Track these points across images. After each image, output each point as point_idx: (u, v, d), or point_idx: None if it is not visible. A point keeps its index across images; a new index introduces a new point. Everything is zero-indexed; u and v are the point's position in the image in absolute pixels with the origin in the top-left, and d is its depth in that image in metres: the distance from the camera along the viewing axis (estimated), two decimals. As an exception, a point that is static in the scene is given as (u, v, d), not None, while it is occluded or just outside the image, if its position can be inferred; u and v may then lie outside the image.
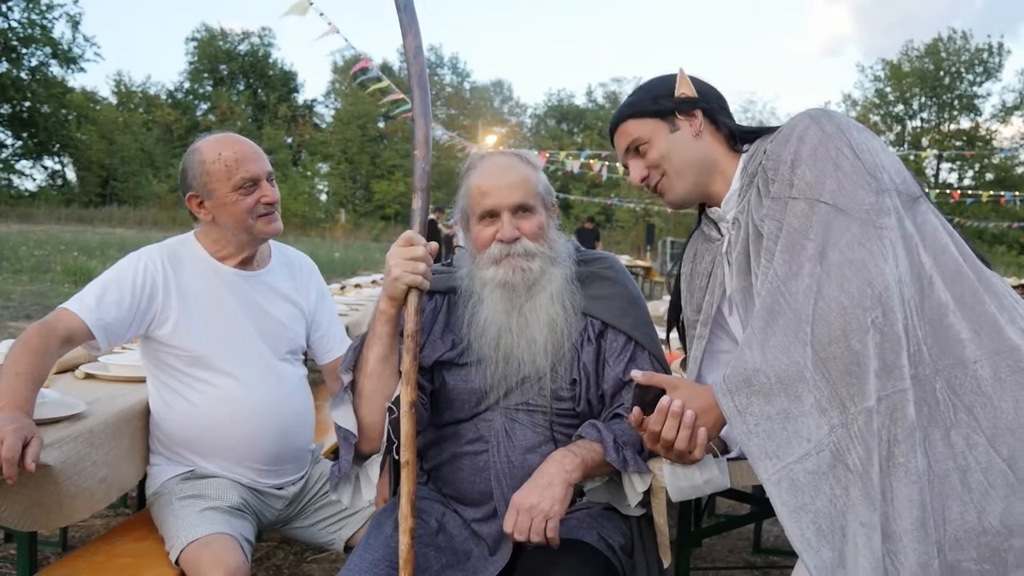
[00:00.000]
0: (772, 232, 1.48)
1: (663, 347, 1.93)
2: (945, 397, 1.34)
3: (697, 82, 1.67)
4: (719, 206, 1.67)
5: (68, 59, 41.07)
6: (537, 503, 1.61)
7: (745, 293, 1.57)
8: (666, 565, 1.79)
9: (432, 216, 15.93)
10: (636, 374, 1.52)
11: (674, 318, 1.85)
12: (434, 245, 1.65)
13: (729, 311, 1.68)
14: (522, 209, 1.77)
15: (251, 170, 2.10)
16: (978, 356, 1.35)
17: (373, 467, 1.74)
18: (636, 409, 1.50)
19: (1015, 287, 13.20)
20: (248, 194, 2.10)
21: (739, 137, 1.65)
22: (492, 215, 1.77)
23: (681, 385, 1.52)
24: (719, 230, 1.69)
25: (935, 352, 1.35)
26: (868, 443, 1.31)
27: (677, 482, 1.58)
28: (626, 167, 1.71)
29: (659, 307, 5.77)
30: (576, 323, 1.80)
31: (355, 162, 47.90)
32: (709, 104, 1.65)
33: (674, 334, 1.85)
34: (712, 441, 1.54)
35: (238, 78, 51.89)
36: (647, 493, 1.76)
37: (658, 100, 1.64)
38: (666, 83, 1.67)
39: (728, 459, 1.62)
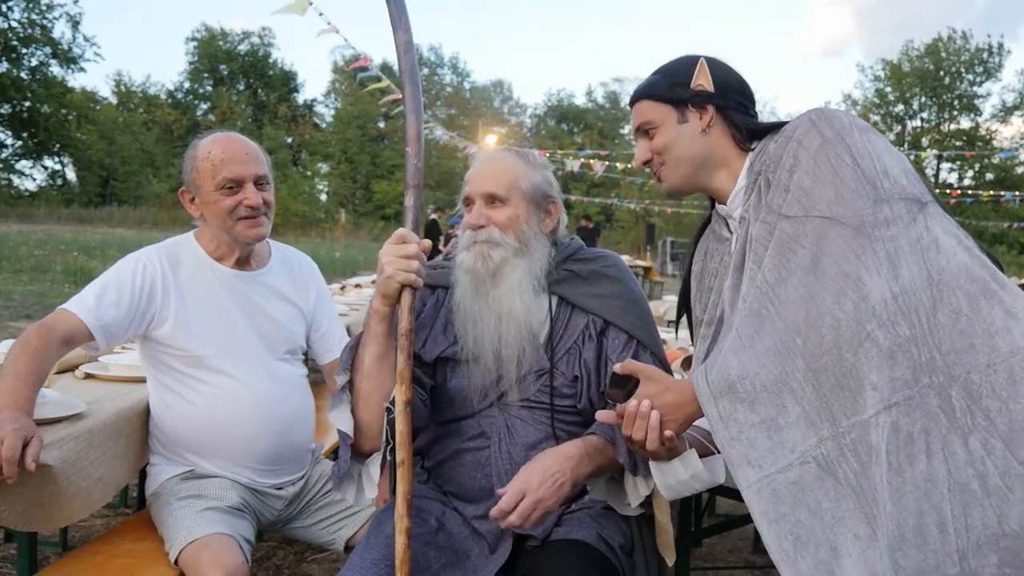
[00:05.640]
0: (762, 236, 1.46)
1: (664, 346, 1.93)
2: (962, 404, 1.32)
3: (719, 74, 1.62)
4: (725, 203, 1.66)
5: (68, 59, 41.10)
6: (547, 500, 1.60)
7: (734, 292, 1.56)
8: (669, 563, 1.79)
9: (433, 216, 15.92)
10: (617, 367, 1.53)
11: (681, 315, 1.84)
12: (427, 242, 1.64)
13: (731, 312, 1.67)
14: (494, 199, 1.78)
15: (235, 171, 2.10)
16: (992, 360, 1.32)
17: (374, 466, 1.74)
18: (615, 406, 1.51)
19: (1015, 287, 13.21)
20: (230, 195, 2.10)
21: (750, 135, 1.62)
22: (468, 202, 1.82)
23: (655, 376, 1.52)
24: (729, 228, 1.68)
25: (950, 359, 1.33)
26: (862, 456, 1.30)
27: (665, 479, 1.58)
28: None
29: (659, 307, 5.80)
30: (541, 312, 1.81)
31: (355, 162, 47.87)
32: (724, 100, 1.61)
33: (682, 332, 1.85)
34: (683, 434, 1.55)
35: (238, 78, 51.84)
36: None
37: (674, 87, 1.62)
38: (687, 68, 1.63)
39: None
